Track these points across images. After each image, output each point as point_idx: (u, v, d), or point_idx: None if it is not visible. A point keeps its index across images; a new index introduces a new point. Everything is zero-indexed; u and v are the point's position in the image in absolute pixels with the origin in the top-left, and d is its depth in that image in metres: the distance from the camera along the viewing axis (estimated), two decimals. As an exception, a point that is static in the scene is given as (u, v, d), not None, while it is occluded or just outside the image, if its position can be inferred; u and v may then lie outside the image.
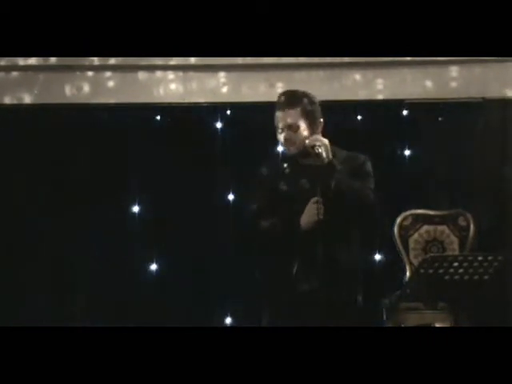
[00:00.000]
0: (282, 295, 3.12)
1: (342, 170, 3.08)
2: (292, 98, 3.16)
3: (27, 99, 4.96)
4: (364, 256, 4.89)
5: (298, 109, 3.13)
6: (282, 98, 3.16)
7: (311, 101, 3.18)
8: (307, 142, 3.08)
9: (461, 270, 3.81)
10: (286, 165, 3.20)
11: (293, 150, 3.13)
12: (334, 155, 3.13)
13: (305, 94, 3.19)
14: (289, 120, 3.12)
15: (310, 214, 3.02)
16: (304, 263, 3.03)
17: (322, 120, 3.20)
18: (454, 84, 5.00)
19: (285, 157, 3.25)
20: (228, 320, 5.05)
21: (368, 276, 4.95)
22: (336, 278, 3.05)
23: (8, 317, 4.60)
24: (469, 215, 4.80)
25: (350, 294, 3.22)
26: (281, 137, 3.15)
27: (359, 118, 5.15)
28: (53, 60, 4.90)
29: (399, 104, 5.07)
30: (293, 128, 3.12)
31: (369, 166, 3.25)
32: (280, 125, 3.14)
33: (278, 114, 3.15)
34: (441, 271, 3.81)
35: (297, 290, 3.07)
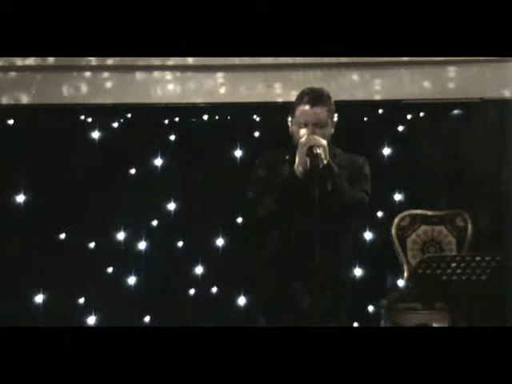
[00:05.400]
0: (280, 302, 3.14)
1: (340, 172, 3.08)
2: (322, 96, 3.16)
3: (25, 99, 4.96)
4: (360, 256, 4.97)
5: (326, 107, 3.14)
6: (312, 95, 3.15)
7: (333, 102, 3.20)
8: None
9: (458, 271, 3.82)
10: (284, 167, 3.19)
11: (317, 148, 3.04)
12: (333, 156, 3.12)
13: (329, 95, 3.20)
14: (321, 116, 3.11)
15: (302, 161, 3.02)
16: (302, 261, 3.03)
17: (335, 121, 3.22)
18: (451, 84, 5.00)
19: (283, 158, 3.24)
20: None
21: (364, 277, 5.05)
22: (330, 276, 3.05)
23: None
24: (467, 215, 4.81)
25: (346, 296, 3.24)
26: (302, 131, 3.12)
27: (357, 118, 5.16)
28: (50, 60, 4.90)
29: (397, 104, 5.07)
30: (319, 125, 3.11)
31: (367, 169, 3.25)
32: (305, 120, 3.12)
33: (306, 109, 3.12)
34: (438, 271, 3.82)
35: (295, 295, 3.08)
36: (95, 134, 5.10)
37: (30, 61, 4.90)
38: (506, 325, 4.45)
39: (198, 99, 5.03)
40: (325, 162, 3.01)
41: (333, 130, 3.20)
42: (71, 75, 4.99)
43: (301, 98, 3.16)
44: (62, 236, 5.06)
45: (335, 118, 3.22)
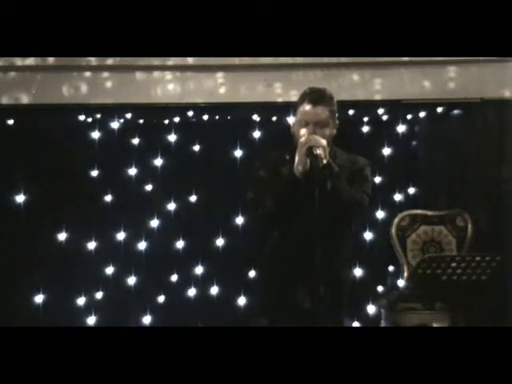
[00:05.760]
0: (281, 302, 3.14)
1: (339, 172, 3.07)
2: (324, 96, 3.15)
3: (25, 99, 4.96)
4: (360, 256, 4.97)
5: (328, 107, 3.13)
6: (314, 94, 3.14)
7: (335, 103, 3.19)
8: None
9: (459, 271, 3.81)
10: (284, 168, 3.18)
11: (317, 149, 3.02)
12: (334, 157, 3.12)
13: (332, 95, 3.19)
14: (322, 116, 3.10)
15: (301, 161, 3.01)
16: (301, 261, 3.03)
17: (337, 122, 3.21)
18: (451, 84, 5.00)
19: (283, 159, 3.23)
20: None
21: (364, 277, 5.05)
22: (330, 276, 3.04)
23: None
24: (467, 215, 4.80)
25: (345, 296, 3.24)
26: (303, 130, 3.11)
27: (357, 118, 5.16)
28: (50, 60, 4.89)
29: (397, 104, 5.07)
30: (319, 124, 3.10)
31: (368, 171, 3.23)
32: (307, 119, 3.11)
33: (307, 109, 3.12)
34: (439, 271, 3.82)
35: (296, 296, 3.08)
36: (95, 134, 5.10)
37: (30, 61, 4.90)
38: (506, 325, 4.45)
39: (198, 99, 5.03)
40: (324, 161, 3.00)
41: (335, 131, 3.18)
42: (71, 75, 4.98)
43: (303, 98, 3.16)
44: (62, 236, 5.06)
45: (337, 121, 3.20)
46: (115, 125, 5.13)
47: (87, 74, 4.99)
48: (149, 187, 5.13)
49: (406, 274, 4.77)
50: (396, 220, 4.86)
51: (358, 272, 5.01)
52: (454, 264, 3.81)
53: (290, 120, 3.31)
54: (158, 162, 5.13)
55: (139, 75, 5.00)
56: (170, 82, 5.01)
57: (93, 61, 4.93)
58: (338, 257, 3.15)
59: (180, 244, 5.10)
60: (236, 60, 4.85)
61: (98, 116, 5.10)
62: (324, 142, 3.03)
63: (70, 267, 4.99)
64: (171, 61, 4.93)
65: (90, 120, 5.12)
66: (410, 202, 5.10)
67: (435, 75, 5.00)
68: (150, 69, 4.98)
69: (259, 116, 5.12)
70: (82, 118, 5.11)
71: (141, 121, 5.15)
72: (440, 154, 5.18)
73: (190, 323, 4.82)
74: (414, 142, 5.26)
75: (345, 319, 3.25)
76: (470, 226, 4.78)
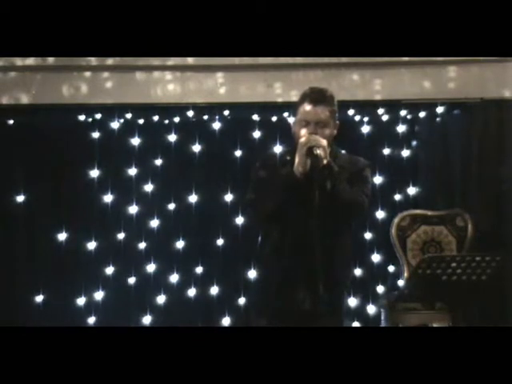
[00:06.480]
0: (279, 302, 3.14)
1: (339, 173, 3.06)
2: (325, 96, 3.14)
3: (25, 99, 4.96)
4: (360, 256, 4.97)
5: (328, 107, 3.13)
6: (314, 94, 3.14)
7: (335, 103, 3.19)
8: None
9: (459, 271, 3.81)
10: (284, 168, 3.18)
11: (318, 150, 3.01)
12: (334, 157, 3.11)
13: (332, 95, 3.19)
14: (322, 116, 3.09)
15: (302, 161, 3.01)
16: (301, 261, 3.03)
17: (337, 122, 3.20)
18: (451, 84, 5.01)
19: (284, 159, 3.23)
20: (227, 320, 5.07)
21: (364, 277, 5.05)
22: (330, 276, 3.04)
23: None
24: (467, 215, 4.81)
25: (345, 296, 3.24)
26: (303, 130, 3.11)
27: (357, 118, 5.17)
28: (50, 60, 4.90)
29: (397, 104, 5.08)
30: (320, 124, 3.10)
31: (368, 172, 3.23)
32: (307, 118, 3.11)
33: (308, 108, 3.11)
34: (439, 271, 3.82)
35: (295, 296, 3.08)
36: (95, 134, 5.11)
37: (30, 61, 4.91)
38: (506, 325, 4.45)
39: (198, 99, 5.03)
40: (324, 162, 2.99)
41: (335, 132, 3.18)
42: (71, 75, 4.99)
43: (303, 98, 3.15)
44: (62, 236, 5.06)
45: (337, 121, 3.20)
46: (115, 125, 5.13)
47: (87, 73, 5.00)
48: (149, 187, 5.13)
49: (406, 274, 4.77)
50: (396, 220, 4.86)
51: (357, 272, 5.02)
52: (454, 264, 3.81)
53: (290, 120, 3.30)
54: (158, 162, 5.14)
55: (139, 75, 5.01)
56: (169, 82, 5.02)
57: (93, 61, 4.94)
58: (338, 257, 3.14)
59: (180, 244, 5.11)
60: (236, 60, 4.86)
61: (98, 116, 5.11)
62: (324, 142, 3.03)
63: (69, 267, 5.00)
64: (171, 61, 4.94)
65: (90, 120, 5.12)
66: (410, 202, 5.11)
67: (435, 75, 5.00)
68: (149, 69, 4.98)
69: (259, 116, 5.12)
70: (82, 117, 5.12)
71: (141, 121, 5.15)
72: (440, 153, 5.18)
73: (189, 323, 4.82)
74: (414, 142, 5.26)
75: (345, 319, 3.25)
76: (469, 226, 4.78)
